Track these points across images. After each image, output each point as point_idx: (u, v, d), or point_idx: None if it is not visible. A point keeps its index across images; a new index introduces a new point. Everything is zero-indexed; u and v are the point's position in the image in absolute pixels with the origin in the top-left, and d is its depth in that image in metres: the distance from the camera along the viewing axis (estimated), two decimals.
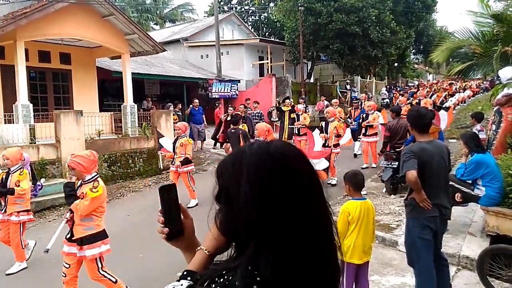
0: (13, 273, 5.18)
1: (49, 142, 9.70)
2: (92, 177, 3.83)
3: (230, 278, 0.87)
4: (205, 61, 21.95)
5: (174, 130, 9.11)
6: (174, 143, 8.02)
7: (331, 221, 0.98)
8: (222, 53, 19.76)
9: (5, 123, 10.56)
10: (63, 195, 8.44)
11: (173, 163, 7.90)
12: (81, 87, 13.47)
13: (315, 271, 0.90)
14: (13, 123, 10.33)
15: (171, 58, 21.33)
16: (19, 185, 5.10)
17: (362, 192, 3.99)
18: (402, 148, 6.91)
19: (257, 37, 24.51)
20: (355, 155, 11.58)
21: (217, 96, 18.83)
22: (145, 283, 4.63)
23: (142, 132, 12.11)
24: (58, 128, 9.72)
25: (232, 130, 8.86)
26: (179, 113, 14.31)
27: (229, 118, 11.56)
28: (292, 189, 0.91)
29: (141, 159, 11.43)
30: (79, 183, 3.87)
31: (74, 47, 12.98)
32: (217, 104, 14.81)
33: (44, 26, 10.65)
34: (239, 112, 12.79)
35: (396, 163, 7.18)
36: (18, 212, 5.20)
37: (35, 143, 9.61)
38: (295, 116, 12.50)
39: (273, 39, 27.86)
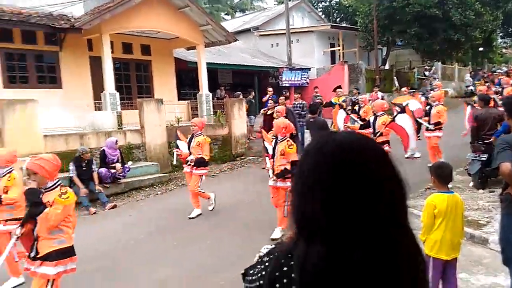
0: None
1: (135, 128, 10.40)
2: (55, 184, 3.39)
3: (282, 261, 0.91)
4: (276, 50, 21.97)
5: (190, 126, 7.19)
6: (190, 141, 6.92)
7: (406, 213, 0.93)
8: (292, 41, 19.65)
9: (95, 110, 11.56)
10: (148, 177, 9.28)
11: (187, 164, 6.90)
12: (160, 77, 14.24)
13: (379, 263, 0.85)
14: (102, 110, 11.26)
15: (243, 48, 21.66)
16: (7, 192, 4.52)
17: None
18: (492, 139, 6.40)
19: (328, 23, 23.94)
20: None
21: (287, 85, 18.80)
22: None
23: (217, 120, 12.52)
24: (142, 115, 10.38)
25: (311, 120, 8.45)
26: (252, 101, 14.53)
27: (269, 112, 10.18)
28: (358, 183, 0.87)
29: (216, 146, 11.85)
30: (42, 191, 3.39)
31: (154, 39, 13.72)
32: (284, 92, 14.81)
33: (126, 19, 11.38)
34: (319, 99, 12.43)
35: (485, 155, 6.70)
36: (6, 220, 4.52)
37: (122, 128, 10.37)
38: (357, 108, 11.00)
39: (344, 25, 27.04)
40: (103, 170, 8.39)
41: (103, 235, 6.26)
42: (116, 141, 8.90)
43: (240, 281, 1.09)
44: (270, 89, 14.59)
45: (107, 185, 8.43)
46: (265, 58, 20.89)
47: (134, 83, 13.78)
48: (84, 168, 7.97)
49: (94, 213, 7.49)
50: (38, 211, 3.28)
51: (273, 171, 5.57)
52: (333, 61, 21.37)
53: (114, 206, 7.84)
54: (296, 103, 11.74)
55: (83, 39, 11.67)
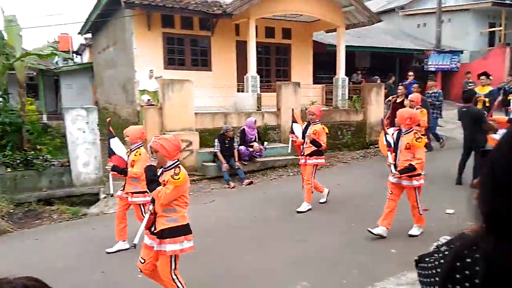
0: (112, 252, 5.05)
1: (271, 110, 10.89)
2: (174, 163, 3.44)
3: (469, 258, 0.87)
4: (422, 31, 20.20)
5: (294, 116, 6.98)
6: (305, 129, 6.50)
7: None
8: (443, 20, 17.79)
9: (238, 91, 12.43)
10: (281, 158, 9.71)
11: (302, 154, 6.53)
12: (298, 60, 14.49)
13: None
14: (244, 91, 12.05)
15: (384, 29, 20.49)
16: (133, 166, 4.87)
17: None
18: None
19: (488, 0, 20.90)
20: None
21: (433, 69, 17.24)
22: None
23: (352, 105, 12.26)
24: (279, 98, 10.79)
25: (463, 109, 7.34)
26: (392, 86, 13.78)
27: (398, 100, 9.43)
28: None
29: (349, 132, 11.67)
30: (160, 170, 3.52)
31: (295, 22, 13.95)
32: (429, 77, 13.54)
33: (273, 4, 11.79)
34: (471, 86, 11.05)
35: None
36: (133, 193, 4.98)
37: (260, 110, 10.97)
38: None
39: (510, 2, 23.23)
40: (242, 148, 9.04)
41: (240, 207, 6.81)
42: (255, 121, 9.46)
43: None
44: (411, 73, 13.57)
45: (245, 163, 9.07)
46: (408, 40, 19.42)
47: (273, 66, 14.33)
48: (226, 145, 8.72)
49: (233, 187, 8.17)
50: (151, 188, 3.40)
51: (396, 167, 5.06)
52: (491, 44, 18.71)
53: (251, 183, 8.43)
54: (430, 91, 10.54)
55: (232, 24, 12.56)
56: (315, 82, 14.87)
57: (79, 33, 18.13)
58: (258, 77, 12.03)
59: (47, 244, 5.48)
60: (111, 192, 5.79)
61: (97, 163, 7.90)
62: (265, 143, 9.77)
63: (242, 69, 12.78)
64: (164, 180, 3.37)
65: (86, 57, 22.45)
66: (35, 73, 18.41)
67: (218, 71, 12.78)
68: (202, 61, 12.86)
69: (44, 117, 15.15)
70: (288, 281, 4.16)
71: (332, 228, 5.65)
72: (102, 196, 7.45)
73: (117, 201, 5.44)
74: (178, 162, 3.48)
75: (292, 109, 7.92)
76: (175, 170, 3.35)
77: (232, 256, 4.83)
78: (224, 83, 11.80)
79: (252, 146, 9.12)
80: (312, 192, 6.42)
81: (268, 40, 13.96)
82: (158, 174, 3.47)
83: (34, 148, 7.97)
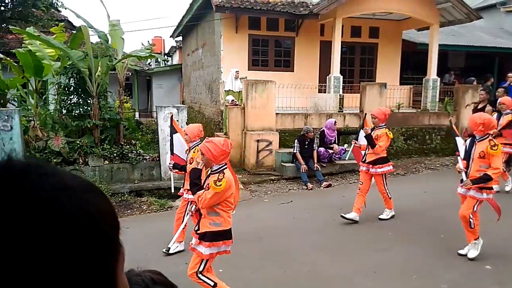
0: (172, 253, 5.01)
1: (354, 112, 10.59)
2: (220, 168, 3.44)
3: None
4: None
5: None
6: (370, 137, 5.96)
7: None
8: None
9: (319, 92, 12.28)
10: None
11: (363, 160, 6.10)
12: (384, 60, 13.88)
13: None
14: (325, 92, 11.86)
15: (482, 26, 18.72)
16: (192, 163, 4.75)
17: None
18: None
19: None
20: None
21: None
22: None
23: (443, 108, 11.42)
24: (363, 99, 10.44)
25: None
26: (491, 88, 12.58)
27: (480, 106, 8.54)
28: None
29: (438, 136, 10.90)
30: (208, 173, 3.53)
31: (383, 20, 13.37)
32: None
33: (361, 2, 11.43)
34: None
35: None
36: (188, 189, 4.73)
37: (342, 111, 10.72)
38: None
39: None
40: (321, 149, 8.91)
41: (318, 210, 6.70)
42: (335, 122, 9.27)
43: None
44: (511, 74, 12.24)
45: (324, 165, 8.93)
46: (510, 39, 17.51)
47: (357, 66, 13.90)
48: (306, 146, 8.66)
49: (311, 189, 8.09)
50: (193, 191, 3.48)
51: (467, 175, 4.59)
52: None
53: (329, 185, 8.27)
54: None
55: (317, 24, 12.45)
56: (401, 83, 14.13)
57: (171, 36, 19.39)
58: (341, 77, 11.76)
59: (137, 232, 5.94)
60: (172, 190, 5.98)
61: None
62: (345, 145, 9.52)
63: (324, 69, 12.60)
64: (207, 184, 3.41)
65: (175, 59, 23.91)
66: (130, 74, 20.05)
67: (300, 71, 12.75)
68: (284, 62, 12.94)
69: (137, 114, 16.44)
70: None
71: (417, 238, 5.32)
72: None
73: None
74: (225, 167, 3.47)
75: (365, 114, 7.47)
76: (219, 175, 3.36)
77: (308, 259, 4.77)
78: (305, 83, 11.74)
79: (331, 148, 8.95)
80: (390, 198, 6.07)
81: (354, 39, 13.57)
82: (205, 176, 3.52)
83: (129, 142, 8.67)
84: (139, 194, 7.83)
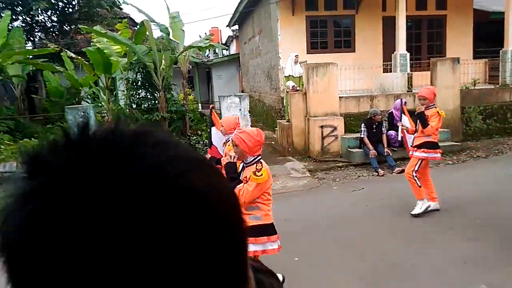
0: None
1: None
2: (254, 159, 3.28)
3: None
4: None
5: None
6: (422, 116, 5.36)
7: None
8: None
9: (383, 72, 11.67)
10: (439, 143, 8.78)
11: (411, 145, 5.60)
12: (454, 33, 12.86)
13: None
14: (391, 72, 11.25)
15: None
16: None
17: None
18: None
19: None
20: None
21: None
22: None
23: None
24: (434, 77, 9.72)
25: None
26: None
27: None
28: None
29: None
30: (241, 166, 3.40)
31: None
32: None
33: None
34: None
35: None
36: None
37: (411, 91, 10.10)
38: None
39: None
40: (392, 132, 8.44)
41: (392, 196, 6.37)
42: (405, 102, 8.72)
43: None
44: None
45: (395, 149, 8.48)
46: None
47: (424, 42, 13.02)
48: (374, 130, 8.24)
49: (383, 175, 7.71)
50: (233, 186, 3.22)
51: None
52: None
53: (402, 171, 7.78)
54: None
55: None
56: (475, 57, 13.04)
57: (227, 26, 19.48)
58: (407, 54, 11.07)
59: None
60: None
61: None
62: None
63: (389, 47, 11.95)
64: (245, 177, 3.26)
65: (233, 49, 24.06)
66: (191, 66, 20.49)
67: (362, 51, 12.20)
68: (345, 42, 12.45)
69: (199, 106, 16.79)
70: (462, 282, 3.70)
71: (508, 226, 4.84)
72: None
73: None
74: (260, 158, 3.32)
75: (401, 100, 6.93)
76: (257, 166, 3.22)
77: (388, 248, 4.53)
78: (369, 63, 11.21)
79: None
80: (420, 186, 5.37)
81: (420, 12, 12.69)
82: (239, 170, 3.36)
83: (195, 133, 8.83)
84: None
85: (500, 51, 11.71)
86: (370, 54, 12.16)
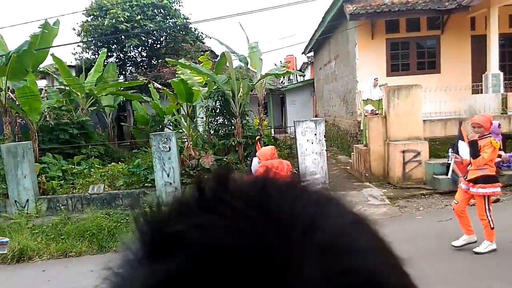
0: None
1: None
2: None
3: None
4: None
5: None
6: (474, 145, 4.99)
7: None
8: None
9: (473, 93, 10.78)
10: None
11: (465, 177, 5.16)
12: None
13: None
14: (481, 93, 10.35)
15: None
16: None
17: None
18: None
19: None
20: None
21: None
22: None
23: None
24: None
25: None
26: None
27: None
28: None
29: None
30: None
31: None
32: None
33: None
34: None
35: None
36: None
37: (506, 113, 9.17)
38: None
39: None
40: None
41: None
42: (499, 125, 7.94)
43: None
44: None
45: None
46: None
47: None
48: None
49: (473, 205, 6.95)
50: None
51: None
52: None
53: (497, 200, 7.01)
54: None
55: (467, 17, 11.05)
56: None
57: (302, 53, 19.70)
58: (501, 74, 10.13)
59: None
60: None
61: (323, 172, 8.15)
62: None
63: (478, 67, 11.05)
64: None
65: (307, 75, 24.21)
66: (266, 93, 20.94)
67: (448, 72, 11.42)
68: (429, 64, 11.78)
69: (272, 131, 16.98)
70: None
71: None
72: None
73: None
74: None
75: (460, 121, 6.45)
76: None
77: None
78: (456, 84, 10.44)
79: (499, 156, 7.62)
80: (492, 228, 4.93)
81: None
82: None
83: None
84: None
85: None
86: (457, 75, 11.34)
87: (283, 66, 10.11)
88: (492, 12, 10.03)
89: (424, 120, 8.93)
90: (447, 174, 7.82)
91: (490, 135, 5.10)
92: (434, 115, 9.69)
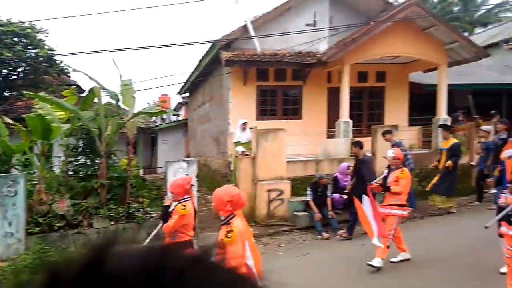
0: None
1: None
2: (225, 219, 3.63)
3: None
4: None
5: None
6: (387, 176, 6.06)
7: None
8: None
9: (327, 138, 12.13)
10: None
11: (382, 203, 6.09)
12: (392, 103, 13.81)
13: None
14: (334, 137, 11.71)
15: (487, 65, 18.79)
16: None
17: None
18: None
19: None
20: None
21: None
22: None
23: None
24: (375, 142, 10.21)
25: None
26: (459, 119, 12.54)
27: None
28: None
29: None
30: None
31: (389, 64, 13.45)
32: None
33: (368, 48, 11.55)
34: None
35: None
36: None
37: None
38: None
39: None
40: (336, 195, 8.57)
41: (339, 260, 6.27)
42: (348, 166, 8.99)
43: None
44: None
45: (339, 211, 8.55)
46: None
47: (366, 110, 13.83)
48: (319, 193, 8.33)
49: (327, 238, 7.65)
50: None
51: None
52: None
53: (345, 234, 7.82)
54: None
55: (324, 72, 12.57)
56: (410, 125, 13.97)
57: (178, 93, 19.80)
58: (350, 122, 11.65)
59: None
60: None
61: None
62: None
63: (333, 115, 12.54)
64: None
65: (181, 115, 24.33)
66: (136, 132, 20.31)
67: (308, 118, 12.68)
68: (292, 110, 12.93)
69: (141, 171, 16.39)
70: None
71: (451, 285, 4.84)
72: (195, 247, 7.49)
73: None
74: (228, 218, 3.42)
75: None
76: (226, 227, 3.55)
77: None
78: (314, 130, 11.63)
79: (347, 194, 8.59)
80: (388, 246, 5.65)
81: (361, 84, 13.60)
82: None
83: (136, 201, 8.45)
84: None
85: (433, 119, 12.67)
86: (316, 121, 12.67)
87: (158, 106, 9.99)
88: (345, 68, 11.61)
89: (287, 161, 9.63)
90: (305, 211, 8.46)
91: (401, 166, 5.96)
92: (295, 157, 10.53)
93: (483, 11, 33.78)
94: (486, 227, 4.29)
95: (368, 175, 7.14)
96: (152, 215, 8.07)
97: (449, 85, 13.94)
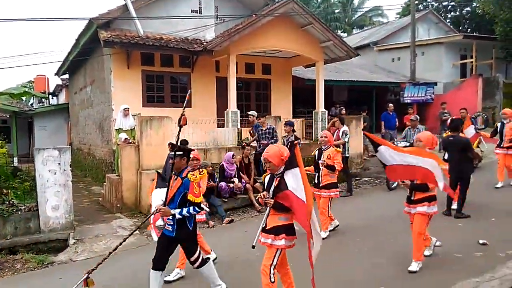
0: None
1: (253, 145, 10.71)
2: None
3: None
4: (396, 64, 20.82)
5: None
6: (319, 155, 6.46)
7: None
8: (416, 54, 18.36)
9: (218, 127, 12.26)
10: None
11: (317, 184, 6.38)
12: (278, 95, 14.56)
13: None
14: (224, 127, 11.89)
15: (360, 63, 21.01)
16: None
17: None
18: None
19: (459, 33, 21.82)
20: None
21: (409, 101, 17.58)
22: None
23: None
24: None
25: (450, 138, 7.13)
26: (366, 117, 13.97)
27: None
28: None
29: None
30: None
31: (274, 58, 14.11)
32: (409, 109, 13.76)
33: (252, 40, 11.91)
34: (446, 116, 11.26)
35: None
36: None
37: (241, 144, 10.76)
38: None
39: (478, 34, 24.34)
40: (222, 184, 8.74)
41: (222, 247, 6.41)
42: (233, 155, 9.19)
43: None
44: (391, 105, 13.76)
45: (225, 199, 8.75)
46: (384, 74, 19.90)
47: (253, 101, 14.32)
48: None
49: (213, 226, 7.78)
50: None
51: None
52: (463, 75, 19.33)
53: (231, 221, 8.05)
54: (264, 128, 9.72)
55: (212, 61, 12.59)
56: (294, 116, 14.88)
57: (55, 74, 17.92)
58: (238, 112, 11.93)
59: None
60: None
61: (68, 206, 7.43)
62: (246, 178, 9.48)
63: (222, 104, 12.70)
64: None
65: (62, 98, 22.15)
66: (8, 116, 17.92)
67: (198, 107, 12.62)
68: (181, 98, 12.72)
69: (15, 160, 14.59)
70: None
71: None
72: (71, 241, 6.92)
73: (87, 247, 5.03)
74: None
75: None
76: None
77: None
78: (203, 118, 11.63)
79: (233, 182, 8.83)
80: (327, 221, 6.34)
81: (248, 75, 14.02)
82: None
83: (1, 192, 7.48)
84: (13, 252, 6.69)
85: (313, 112, 13.71)
86: (206, 110, 12.70)
87: (24, 86, 8.90)
88: (231, 58, 11.79)
89: None
90: None
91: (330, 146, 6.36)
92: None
93: (359, 14, 37.52)
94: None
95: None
96: (20, 207, 7.21)
97: (328, 80, 15.21)
